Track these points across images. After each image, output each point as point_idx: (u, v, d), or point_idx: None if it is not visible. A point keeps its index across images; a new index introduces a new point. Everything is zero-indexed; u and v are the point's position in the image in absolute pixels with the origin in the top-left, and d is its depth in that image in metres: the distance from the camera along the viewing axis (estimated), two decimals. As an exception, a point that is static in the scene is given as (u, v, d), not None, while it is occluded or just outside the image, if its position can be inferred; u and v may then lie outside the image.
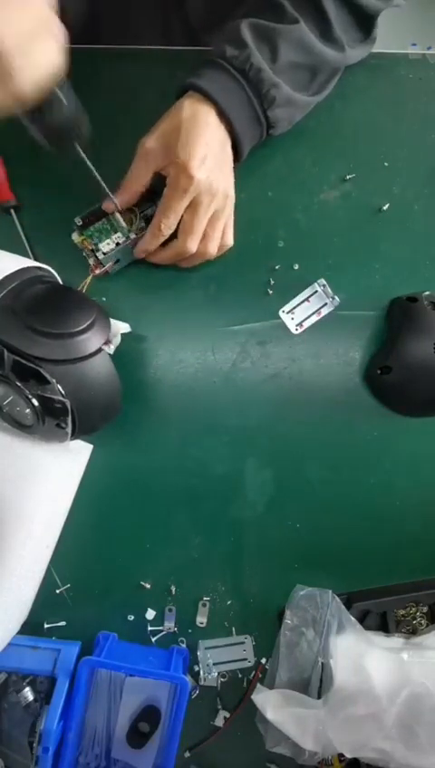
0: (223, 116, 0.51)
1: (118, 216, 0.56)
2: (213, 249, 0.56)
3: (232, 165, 0.54)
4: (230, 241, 0.57)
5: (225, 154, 0.53)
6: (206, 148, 0.50)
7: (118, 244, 0.56)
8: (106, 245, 0.56)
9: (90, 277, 0.57)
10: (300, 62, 0.53)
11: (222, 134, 0.52)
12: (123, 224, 0.56)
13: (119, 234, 0.56)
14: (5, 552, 0.52)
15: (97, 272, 0.57)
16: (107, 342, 0.52)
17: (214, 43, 0.54)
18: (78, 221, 0.56)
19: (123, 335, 0.57)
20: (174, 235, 0.54)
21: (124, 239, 0.56)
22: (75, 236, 0.57)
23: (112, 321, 0.55)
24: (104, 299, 0.60)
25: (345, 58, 0.56)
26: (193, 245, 0.54)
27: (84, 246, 0.57)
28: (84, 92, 0.62)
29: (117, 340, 0.56)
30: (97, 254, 0.56)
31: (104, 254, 0.56)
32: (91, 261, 0.57)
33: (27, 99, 0.41)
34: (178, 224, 0.53)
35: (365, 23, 0.56)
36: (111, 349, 0.55)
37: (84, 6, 0.67)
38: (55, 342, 0.46)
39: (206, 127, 0.50)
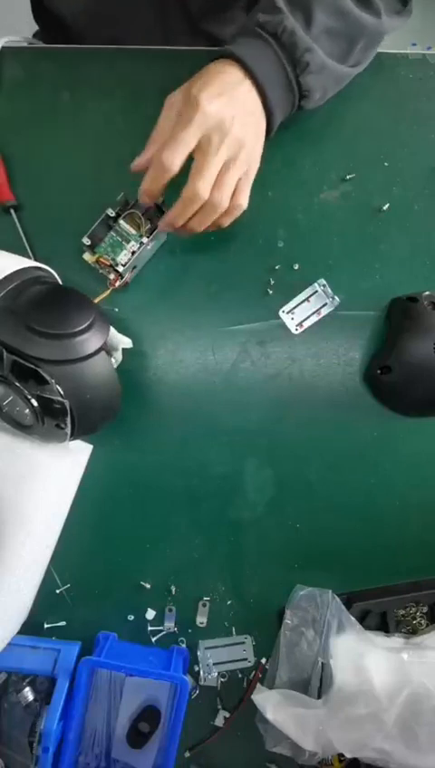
0: (255, 81, 0.50)
1: (123, 223, 0.55)
2: (224, 200, 0.50)
3: (262, 128, 0.52)
4: (243, 201, 0.52)
5: (252, 113, 0.50)
6: (223, 87, 0.48)
7: (133, 252, 0.56)
8: (124, 257, 0.56)
9: (109, 290, 0.57)
10: (336, 28, 0.52)
11: (252, 94, 0.50)
12: (132, 230, 0.56)
13: (132, 242, 0.56)
14: (5, 552, 0.52)
15: (117, 284, 0.57)
16: (107, 351, 0.52)
17: (249, 15, 0.52)
18: (86, 241, 0.56)
19: (124, 350, 0.57)
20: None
21: (138, 246, 0.56)
22: (88, 257, 0.57)
23: (115, 333, 0.55)
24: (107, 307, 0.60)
25: (382, 25, 0.54)
26: (203, 189, 0.48)
27: (102, 263, 0.56)
28: (84, 92, 0.63)
29: (118, 356, 0.56)
30: (117, 268, 0.56)
31: (123, 265, 0.56)
32: (111, 276, 0.57)
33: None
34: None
35: None
36: (114, 364, 0.55)
37: None
38: (54, 343, 0.46)
39: (233, 77, 0.49)
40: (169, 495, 0.60)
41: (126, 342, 0.56)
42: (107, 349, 0.53)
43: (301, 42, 0.50)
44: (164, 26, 0.69)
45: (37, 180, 0.60)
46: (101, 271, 0.57)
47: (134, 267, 0.57)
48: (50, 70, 0.62)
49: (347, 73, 0.56)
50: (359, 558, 0.60)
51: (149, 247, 0.57)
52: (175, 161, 0.47)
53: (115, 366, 0.55)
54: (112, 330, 0.56)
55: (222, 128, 0.47)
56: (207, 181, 0.48)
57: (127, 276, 0.57)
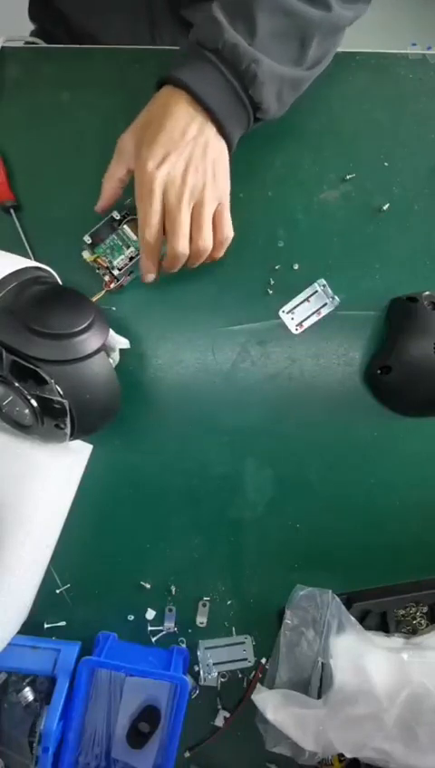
0: (204, 106, 0.48)
1: (127, 228, 0.55)
2: (207, 242, 0.51)
3: (220, 153, 0.51)
4: (228, 232, 0.53)
5: (203, 145, 0.49)
6: (169, 144, 0.48)
7: (132, 258, 0.56)
8: (120, 261, 0.56)
9: (103, 292, 0.57)
10: (283, 31, 0.49)
11: (199, 122, 0.49)
12: (133, 237, 0.55)
13: (132, 249, 0.56)
14: (5, 552, 0.52)
15: (112, 286, 0.57)
16: (105, 352, 0.52)
17: (191, 32, 0.51)
18: (87, 239, 0.56)
19: (122, 350, 0.57)
20: None
21: (137, 253, 0.56)
22: (87, 255, 0.56)
23: (113, 334, 0.55)
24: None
25: (334, 17, 0.51)
26: (182, 246, 0.50)
27: (99, 264, 0.56)
28: (84, 92, 0.63)
29: (116, 356, 0.56)
30: (113, 271, 0.56)
31: (119, 269, 0.56)
32: (106, 277, 0.57)
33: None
34: None
35: None
36: (111, 364, 0.55)
37: None
38: (54, 343, 0.46)
39: (176, 118, 0.48)
40: (169, 495, 0.60)
41: (123, 343, 0.56)
42: (105, 349, 0.53)
43: (245, 54, 0.48)
44: (148, 12, 0.68)
45: (37, 180, 0.60)
46: (97, 270, 0.57)
47: (130, 272, 0.57)
48: (50, 70, 0.62)
49: (305, 77, 0.53)
50: (359, 558, 0.60)
51: None
52: (155, 236, 0.50)
53: (113, 366, 0.55)
54: (110, 330, 0.56)
55: (176, 183, 0.48)
56: (182, 238, 0.50)
57: (123, 280, 0.57)
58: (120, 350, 0.57)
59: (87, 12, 0.65)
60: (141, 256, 0.52)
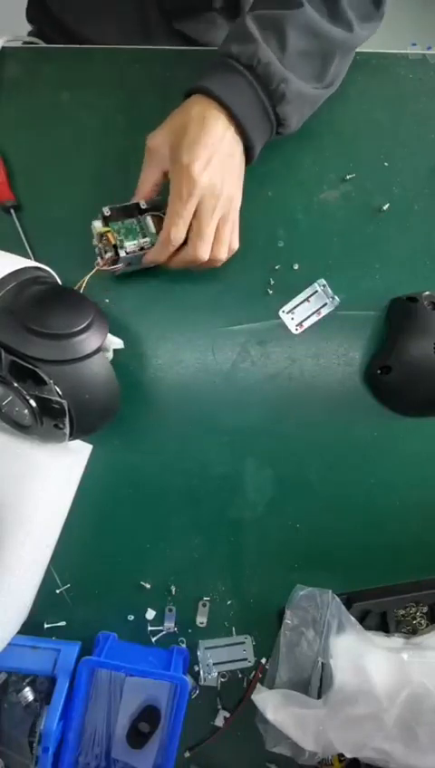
0: (232, 116, 0.50)
1: (150, 220, 0.54)
2: (223, 254, 0.54)
3: (242, 167, 0.53)
4: (236, 245, 0.55)
5: (233, 156, 0.52)
6: (211, 150, 0.49)
7: (142, 248, 0.54)
8: (131, 246, 0.53)
9: (94, 271, 0.54)
10: (309, 50, 0.51)
11: (231, 135, 0.50)
12: (153, 229, 0.54)
13: (147, 239, 0.54)
14: (5, 552, 0.52)
15: (106, 267, 0.54)
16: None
17: (222, 42, 0.52)
18: (106, 211, 0.53)
19: (116, 350, 0.56)
20: (183, 243, 0.53)
21: (149, 246, 0.54)
22: (98, 225, 0.53)
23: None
24: (107, 300, 0.60)
25: (354, 38, 0.54)
26: (205, 252, 0.52)
27: (106, 238, 0.53)
28: (84, 92, 0.63)
29: (109, 355, 0.56)
30: (120, 252, 0.53)
31: (127, 253, 0.53)
32: (107, 254, 0.53)
33: None
34: (188, 231, 0.52)
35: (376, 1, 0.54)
36: (109, 357, 0.55)
37: None
38: (52, 343, 0.46)
39: (213, 128, 0.49)
40: (169, 495, 0.60)
41: (117, 343, 0.56)
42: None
43: (276, 72, 0.50)
44: (143, 24, 0.69)
45: (37, 180, 0.61)
46: (98, 245, 0.54)
47: (129, 263, 0.55)
48: (50, 70, 0.62)
49: (323, 95, 0.56)
50: (359, 558, 0.60)
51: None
52: (181, 236, 0.51)
53: (111, 354, 0.55)
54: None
55: (215, 192, 0.50)
56: (207, 244, 0.52)
57: (119, 266, 0.55)
58: (120, 350, 0.57)
59: (83, 22, 0.65)
60: (156, 248, 0.52)
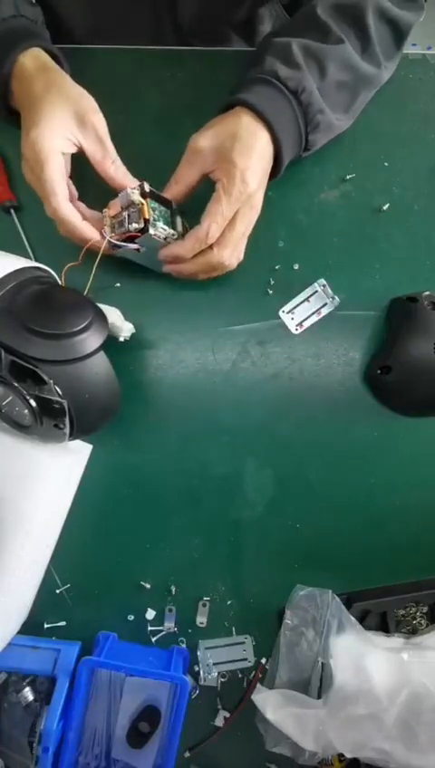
0: (273, 136, 0.52)
1: (179, 219, 0.54)
2: (236, 262, 0.55)
3: (267, 182, 0.54)
4: (241, 257, 0.56)
5: (267, 175, 0.53)
6: (262, 163, 0.51)
7: (166, 239, 0.53)
8: (162, 227, 0.51)
9: (105, 241, 0.51)
10: (343, 82, 0.55)
11: (270, 153, 0.52)
12: (180, 228, 0.54)
13: (173, 232, 0.53)
14: (5, 552, 0.52)
15: (117, 240, 0.51)
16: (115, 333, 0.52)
17: (264, 58, 0.54)
18: (147, 187, 0.51)
19: (122, 350, 0.57)
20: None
21: (174, 238, 0.53)
22: (136, 196, 0.50)
23: (119, 316, 0.55)
24: (107, 301, 0.60)
25: (380, 75, 0.58)
26: (229, 258, 0.53)
27: (138, 210, 0.50)
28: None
29: (123, 338, 0.56)
30: (150, 228, 0.50)
31: (155, 234, 0.51)
32: (132, 225, 0.50)
33: None
34: None
35: (400, 38, 0.58)
36: (129, 333, 0.56)
37: (84, 8, 0.68)
38: (52, 343, 0.46)
39: (261, 143, 0.51)
40: (169, 495, 0.60)
41: (129, 329, 0.56)
42: (113, 333, 0.54)
43: (316, 102, 0.53)
44: (157, 42, 0.71)
45: (37, 180, 0.60)
46: (111, 218, 0.52)
47: (141, 249, 0.53)
48: (50, 70, 0.62)
49: (344, 127, 0.59)
50: (359, 558, 0.60)
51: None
52: (217, 235, 0.51)
53: (129, 335, 0.56)
54: (117, 313, 0.56)
55: (254, 203, 0.52)
56: (232, 250, 0.53)
57: (130, 247, 0.52)
58: (120, 350, 0.57)
59: (95, 38, 0.66)
60: (186, 243, 0.52)
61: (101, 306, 0.53)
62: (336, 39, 0.54)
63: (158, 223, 0.51)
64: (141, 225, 0.50)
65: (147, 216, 0.50)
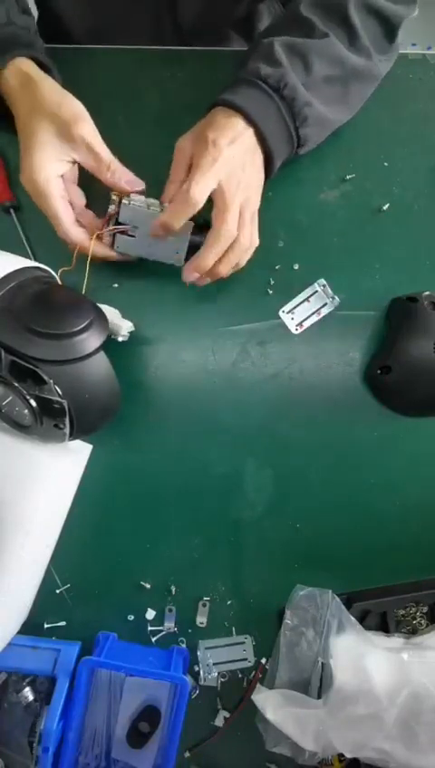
0: (257, 131, 0.52)
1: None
2: (248, 237, 0.53)
3: (262, 173, 0.54)
4: (256, 239, 0.55)
5: (254, 157, 0.53)
6: (235, 134, 0.50)
7: (150, 207, 0.52)
8: (138, 198, 0.51)
9: (93, 236, 0.53)
10: (332, 75, 0.54)
11: (253, 144, 0.52)
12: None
13: (154, 201, 0.52)
14: (5, 552, 0.52)
15: (106, 231, 0.52)
16: (113, 333, 0.52)
17: (248, 60, 0.54)
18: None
19: (122, 350, 0.57)
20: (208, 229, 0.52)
21: (159, 209, 0.52)
22: (113, 197, 0.52)
23: (117, 315, 0.55)
24: (107, 301, 0.60)
25: (373, 66, 0.57)
26: (233, 225, 0.51)
27: (113, 201, 0.52)
28: (85, 92, 0.62)
29: (122, 338, 0.56)
30: (123, 201, 0.51)
31: (130, 204, 0.51)
32: (111, 208, 0.52)
33: None
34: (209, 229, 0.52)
35: (391, 31, 0.57)
36: (127, 330, 0.56)
37: (84, 9, 0.68)
38: (53, 343, 0.46)
39: (238, 126, 0.51)
40: (169, 495, 0.60)
41: (128, 326, 0.56)
42: (112, 333, 0.54)
43: (301, 96, 0.53)
44: (157, 42, 0.71)
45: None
46: (115, 197, 0.52)
47: (135, 229, 0.53)
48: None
49: (340, 120, 0.59)
50: (359, 558, 0.60)
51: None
52: (202, 197, 0.49)
53: (127, 334, 0.56)
54: (115, 312, 0.56)
55: (238, 172, 0.51)
56: (234, 218, 0.51)
57: (123, 228, 0.52)
58: (121, 350, 0.57)
59: (95, 38, 0.66)
60: (172, 207, 0.51)
61: (101, 306, 0.53)
62: (320, 34, 0.53)
63: (133, 196, 0.52)
64: (117, 200, 0.52)
65: (117, 199, 0.52)
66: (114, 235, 0.53)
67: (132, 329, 0.57)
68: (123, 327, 0.56)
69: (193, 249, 0.54)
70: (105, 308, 0.54)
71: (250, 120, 0.51)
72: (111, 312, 0.55)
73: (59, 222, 0.52)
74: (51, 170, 0.50)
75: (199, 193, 0.49)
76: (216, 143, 0.49)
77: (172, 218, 0.51)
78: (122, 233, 0.54)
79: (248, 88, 0.52)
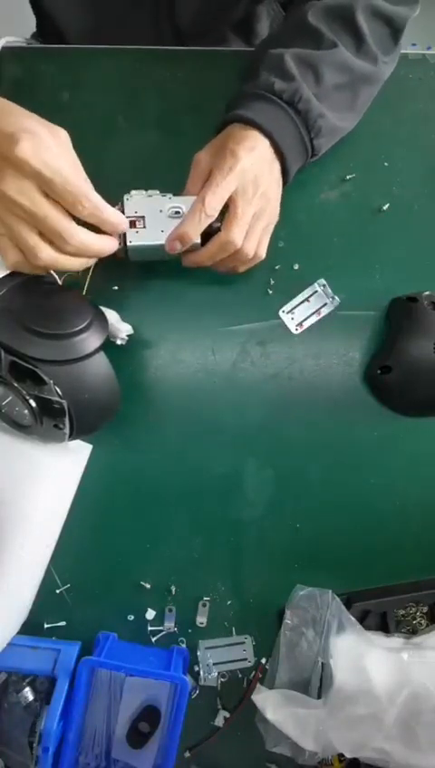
0: (275, 145, 0.52)
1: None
2: (252, 249, 0.54)
3: (280, 183, 0.55)
4: (263, 252, 0.56)
5: (272, 167, 0.53)
6: (254, 148, 0.51)
7: (150, 195, 0.51)
8: (137, 193, 0.51)
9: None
10: (341, 83, 0.55)
11: (271, 155, 0.53)
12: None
13: (157, 191, 0.52)
14: (4, 552, 0.52)
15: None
16: (112, 337, 0.52)
17: (258, 72, 0.54)
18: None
19: (122, 349, 0.57)
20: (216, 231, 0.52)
21: (159, 195, 0.51)
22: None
23: (117, 320, 0.55)
24: (107, 302, 0.60)
25: (379, 71, 0.58)
26: (239, 236, 0.51)
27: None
28: (84, 92, 0.63)
29: (121, 341, 0.56)
30: (124, 197, 0.51)
31: (130, 198, 0.50)
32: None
33: None
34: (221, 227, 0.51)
35: (396, 33, 0.58)
36: (124, 340, 0.56)
37: (83, 12, 0.68)
38: (52, 343, 0.46)
39: (257, 141, 0.51)
40: (169, 495, 0.60)
41: (126, 329, 0.56)
42: (110, 335, 0.54)
43: (314, 108, 0.53)
44: (156, 44, 0.71)
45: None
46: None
47: (144, 217, 0.51)
48: (50, 70, 0.62)
49: (348, 127, 0.59)
50: (359, 558, 0.60)
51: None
52: (217, 207, 0.50)
53: (126, 337, 0.56)
54: (115, 315, 0.56)
55: (255, 182, 0.51)
56: (242, 229, 0.51)
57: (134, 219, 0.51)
58: (121, 350, 0.57)
59: (94, 40, 0.66)
60: (187, 219, 0.50)
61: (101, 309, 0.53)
62: (329, 43, 0.54)
63: (131, 191, 0.51)
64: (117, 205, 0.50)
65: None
66: (123, 234, 0.51)
67: (131, 332, 0.57)
68: (122, 330, 0.56)
69: (207, 236, 0.52)
70: (105, 311, 0.54)
71: (267, 134, 0.52)
72: (110, 316, 0.55)
73: (85, 192, 0.44)
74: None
75: (215, 202, 0.49)
76: (234, 152, 0.50)
77: (190, 229, 0.50)
78: (132, 226, 0.51)
79: (263, 103, 0.53)
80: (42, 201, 0.43)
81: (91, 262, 0.49)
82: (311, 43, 0.55)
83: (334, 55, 0.54)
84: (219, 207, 0.50)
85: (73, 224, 0.45)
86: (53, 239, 0.44)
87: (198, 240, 0.52)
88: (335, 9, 0.55)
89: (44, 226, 0.43)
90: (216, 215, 0.50)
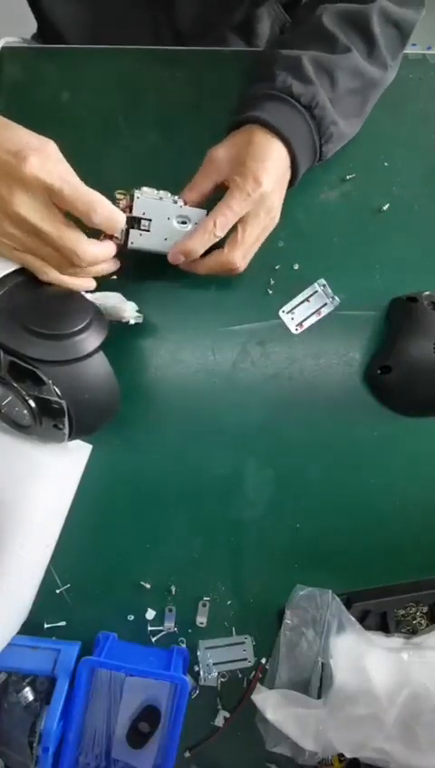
0: (291, 153, 0.52)
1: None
2: (245, 264, 0.55)
3: (284, 194, 0.55)
4: (246, 264, 0.56)
5: (284, 181, 0.54)
6: (277, 166, 0.51)
7: (162, 199, 0.51)
8: (149, 190, 0.50)
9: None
10: (353, 88, 0.55)
11: (286, 164, 0.53)
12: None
13: (168, 192, 0.52)
14: (4, 552, 0.52)
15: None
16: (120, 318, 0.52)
17: (273, 72, 0.54)
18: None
19: (122, 350, 0.57)
20: (213, 248, 0.52)
21: (169, 198, 0.51)
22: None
23: (123, 301, 0.55)
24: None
25: (387, 76, 0.58)
26: (239, 259, 0.53)
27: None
28: (84, 92, 0.63)
29: (134, 321, 0.56)
30: (134, 192, 0.50)
31: (141, 196, 0.50)
32: (121, 202, 0.50)
33: None
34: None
35: (404, 38, 0.58)
36: (139, 319, 0.56)
37: (82, 13, 0.68)
38: (51, 343, 0.46)
39: (276, 153, 0.52)
40: (169, 495, 0.60)
41: (129, 309, 0.55)
42: (118, 319, 0.54)
43: (329, 115, 0.54)
44: (156, 44, 0.71)
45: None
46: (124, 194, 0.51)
47: (151, 221, 0.51)
48: (50, 70, 0.62)
49: (354, 132, 0.60)
50: (359, 558, 0.60)
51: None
52: (227, 229, 0.51)
53: (135, 316, 0.55)
54: (119, 297, 0.55)
55: (266, 207, 0.52)
56: (245, 253, 0.53)
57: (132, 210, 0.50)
58: (121, 350, 0.57)
59: (94, 41, 0.66)
60: (195, 235, 0.51)
61: (102, 293, 0.53)
62: (344, 48, 0.54)
63: (143, 189, 0.51)
64: (125, 196, 0.50)
65: (130, 192, 0.51)
66: (127, 232, 0.51)
67: (138, 311, 0.56)
68: (126, 309, 0.55)
69: None
70: (107, 294, 0.54)
71: (285, 140, 0.52)
72: (113, 298, 0.54)
73: (98, 198, 0.45)
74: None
75: (227, 225, 0.51)
76: (257, 179, 0.50)
77: (197, 245, 0.51)
78: (137, 228, 0.51)
79: (281, 105, 0.53)
80: (54, 219, 0.44)
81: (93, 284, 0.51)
82: (326, 46, 0.54)
83: (348, 60, 0.54)
84: (228, 228, 0.51)
85: (84, 238, 0.46)
86: (68, 257, 0.46)
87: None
88: (351, 14, 0.55)
89: (58, 245, 0.45)
90: (223, 235, 0.51)
